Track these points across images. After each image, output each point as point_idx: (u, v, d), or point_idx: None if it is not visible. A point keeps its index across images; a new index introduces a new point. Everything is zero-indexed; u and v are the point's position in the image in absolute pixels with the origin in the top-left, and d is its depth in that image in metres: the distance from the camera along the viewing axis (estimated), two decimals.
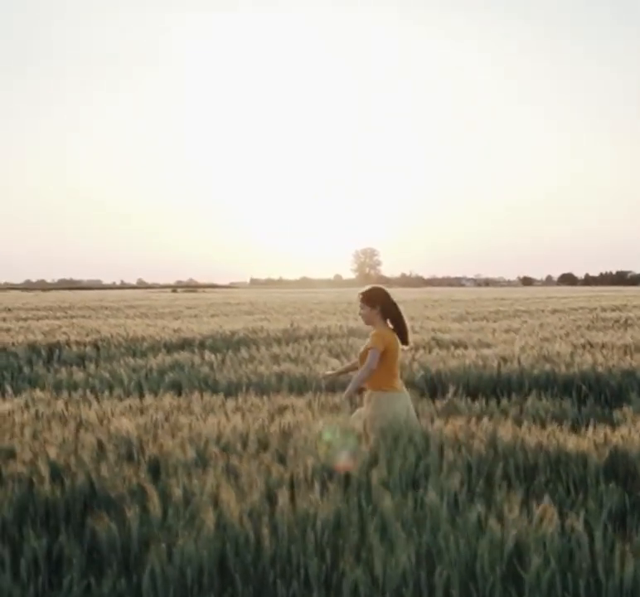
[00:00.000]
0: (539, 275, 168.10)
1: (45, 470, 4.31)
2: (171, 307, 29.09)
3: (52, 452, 4.63)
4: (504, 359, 9.47)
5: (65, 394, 7.38)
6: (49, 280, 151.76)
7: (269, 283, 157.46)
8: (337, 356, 10.42)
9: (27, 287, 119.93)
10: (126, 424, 5.69)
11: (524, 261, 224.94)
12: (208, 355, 10.38)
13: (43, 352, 11.34)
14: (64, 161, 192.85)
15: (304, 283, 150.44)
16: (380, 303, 5.51)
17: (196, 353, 10.70)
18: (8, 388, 8.43)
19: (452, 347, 11.25)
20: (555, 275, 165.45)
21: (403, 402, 5.40)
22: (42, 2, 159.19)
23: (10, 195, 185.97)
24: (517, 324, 16.52)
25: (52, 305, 30.11)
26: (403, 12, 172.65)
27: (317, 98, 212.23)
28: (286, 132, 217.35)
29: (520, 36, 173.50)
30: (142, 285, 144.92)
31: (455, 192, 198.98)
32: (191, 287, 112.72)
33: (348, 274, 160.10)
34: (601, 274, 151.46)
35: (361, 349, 5.59)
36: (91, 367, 10.07)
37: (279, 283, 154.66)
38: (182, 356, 10.41)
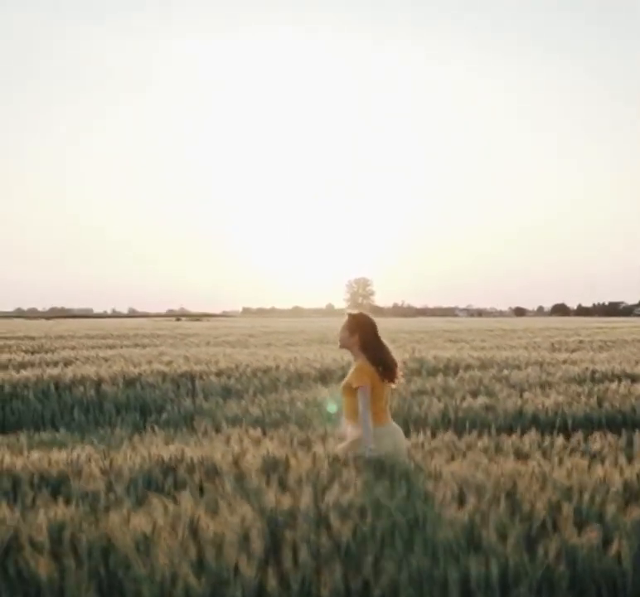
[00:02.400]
0: (529, 306, 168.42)
1: None
2: (227, 335, 27.86)
3: None
4: None
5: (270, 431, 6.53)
6: (40, 309, 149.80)
7: (261, 312, 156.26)
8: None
9: (19, 315, 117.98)
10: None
11: (514, 292, 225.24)
12: None
13: (180, 384, 10.37)
14: (52, 189, 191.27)
15: (297, 312, 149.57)
16: (359, 331, 5.08)
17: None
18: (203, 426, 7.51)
19: (617, 381, 10.39)
20: (546, 306, 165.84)
21: (390, 437, 5.10)
22: (39, 17, 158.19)
23: (0, 222, 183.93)
24: (629, 353, 15.74)
25: (101, 333, 28.93)
26: (404, 14, 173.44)
27: (312, 125, 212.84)
28: (278, 160, 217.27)
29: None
30: (134, 314, 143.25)
31: (446, 223, 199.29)
32: (193, 315, 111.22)
33: (340, 303, 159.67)
34: (594, 305, 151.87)
35: (342, 383, 5.16)
36: (246, 400, 9.18)
37: (272, 312, 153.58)
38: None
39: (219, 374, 11.05)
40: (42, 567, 3.34)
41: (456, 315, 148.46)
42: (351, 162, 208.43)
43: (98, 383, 10.22)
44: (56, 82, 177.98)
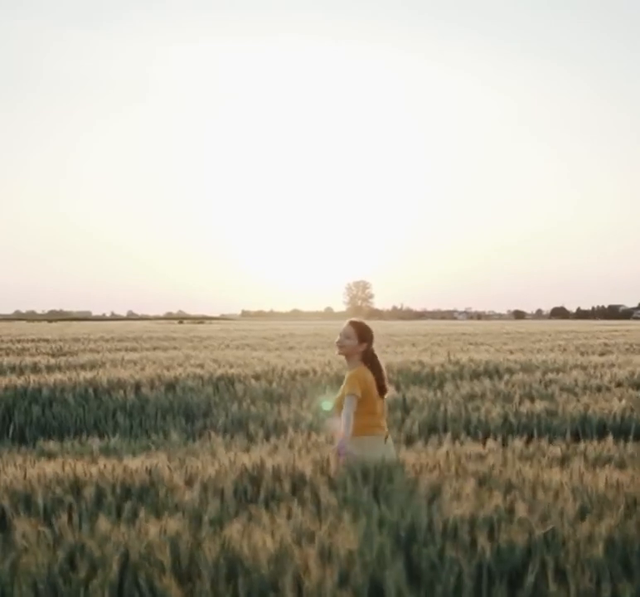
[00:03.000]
0: (528, 309, 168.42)
1: None
2: (244, 338, 27.41)
3: None
4: None
5: None
6: (39, 311, 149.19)
7: (260, 315, 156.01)
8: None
9: (18, 317, 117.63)
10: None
11: (512, 295, 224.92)
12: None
13: (219, 388, 10.08)
14: (50, 192, 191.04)
15: (296, 315, 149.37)
16: (368, 342, 5.09)
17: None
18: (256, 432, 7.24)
19: None
20: (545, 309, 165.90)
21: (381, 447, 5.03)
22: (35, 24, 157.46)
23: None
24: None
25: (116, 336, 28.52)
26: (405, 43, 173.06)
27: (310, 131, 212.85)
28: (277, 164, 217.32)
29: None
30: (133, 317, 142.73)
31: (445, 227, 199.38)
32: (194, 318, 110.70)
33: (339, 306, 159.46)
34: (593, 308, 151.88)
35: (337, 394, 5.14)
36: (293, 404, 8.91)
37: (271, 315, 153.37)
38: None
39: (257, 377, 10.74)
40: (171, 589, 3.06)
41: (455, 318, 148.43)
42: (352, 166, 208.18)
43: (136, 387, 9.93)
44: (57, 88, 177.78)
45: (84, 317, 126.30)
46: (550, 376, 10.92)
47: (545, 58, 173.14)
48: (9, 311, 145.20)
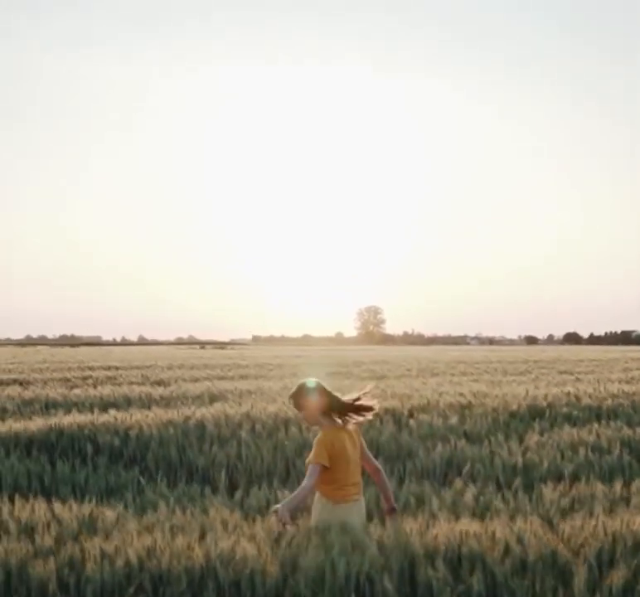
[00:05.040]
0: (539, 334, 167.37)
1: None
2: (336, 365, 26.12)
3: None
4: None
5: None
6: (50, 336, 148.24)
7: (271, 340, 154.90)
8: None
9: (29, 342, 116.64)
10: None
11: (524, 320, 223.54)
12: None
13: (384, 422, 9.19)
14: (62, 216, 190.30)
15: (307, 340, 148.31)
16: (305, 401, 4.69)
17: None
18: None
19: None
20: (556, 334, 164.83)
21: (354, 514, 4.63)
22: (32, 46, 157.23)
23: (9, 250, 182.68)
24: None
25: (182, 363, 27.36)
26: (404, 42, 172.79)
27: (318, 160, 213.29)
28: (287, 191, 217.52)
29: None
30: (144, 342, 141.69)
31: (454, 252, 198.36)
32: (217, 343, 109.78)
33: (350, 331, 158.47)
34: (606, 334, 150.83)
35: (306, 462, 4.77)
36: (493, 444, 8.02)
37: (282, 340, 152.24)
38: None
39: (417, 411, 9.86)
40: None
41: (468, 343, 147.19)
42: (362, 191, 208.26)
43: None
44: (53, 113, 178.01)
45: (96, 343, 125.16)
46: None
47: (553, 80, 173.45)
48: (20, 335, 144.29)
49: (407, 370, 21.64)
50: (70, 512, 4.82)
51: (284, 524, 4.28)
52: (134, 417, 9.15)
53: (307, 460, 4.67)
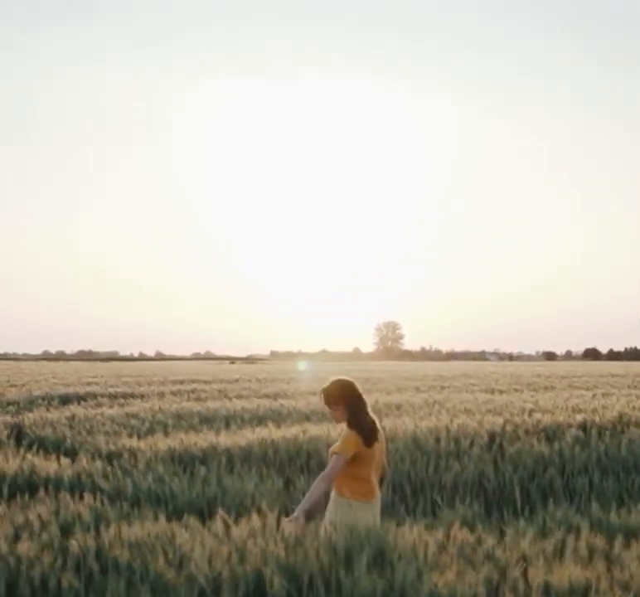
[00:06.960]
0: (557, 349, 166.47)
1: None
2: (412, 379, 25.51)
3: None
4: None
5: None
6: (68, 351, 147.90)
7: (289, 356, 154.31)
8: None
9: (50, 357, 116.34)
10: None
11: (542, 336, 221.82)
12: None
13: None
14: (76, 230, 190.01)
15: (325, 355, 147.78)
16: (343, 401, 4.63)
17: None
18: None
19: None
20: (574, 350, 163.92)
21: (370, 515, 4.56)
22: (40, 61, 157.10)
23: (23, 266, 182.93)
24: None
25: (271, 377, 26.82)
26: (411, 67, 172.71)
27: (318, 161, 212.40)
28: (300, 201, 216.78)
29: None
30: (162, 357, 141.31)
31: (472, 267, 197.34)
32: (245, 359, 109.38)
33: (368, 347, 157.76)
34: (626, 349, 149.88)
35: (330, 451, 4.67)
36: None
37: (300, 355, 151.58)
38: None
39: (618, 424, 9.37)
40: None
41: (487, 359, 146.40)
42: (368, 196, 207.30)
43: (491, 438, 8.51)
44: (62, 128, 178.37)
45: (114, 357, 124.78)
46: None
47: (568, 95, 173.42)
48: (38, 351, 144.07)
49: (515, 385, 21.00)
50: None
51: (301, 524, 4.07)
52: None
53: (330, 449, 4.58)
